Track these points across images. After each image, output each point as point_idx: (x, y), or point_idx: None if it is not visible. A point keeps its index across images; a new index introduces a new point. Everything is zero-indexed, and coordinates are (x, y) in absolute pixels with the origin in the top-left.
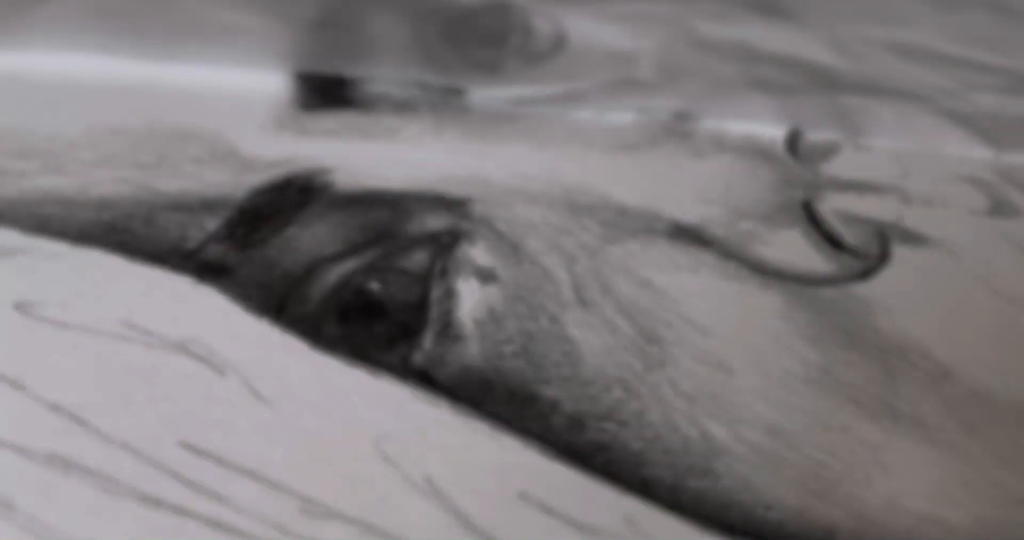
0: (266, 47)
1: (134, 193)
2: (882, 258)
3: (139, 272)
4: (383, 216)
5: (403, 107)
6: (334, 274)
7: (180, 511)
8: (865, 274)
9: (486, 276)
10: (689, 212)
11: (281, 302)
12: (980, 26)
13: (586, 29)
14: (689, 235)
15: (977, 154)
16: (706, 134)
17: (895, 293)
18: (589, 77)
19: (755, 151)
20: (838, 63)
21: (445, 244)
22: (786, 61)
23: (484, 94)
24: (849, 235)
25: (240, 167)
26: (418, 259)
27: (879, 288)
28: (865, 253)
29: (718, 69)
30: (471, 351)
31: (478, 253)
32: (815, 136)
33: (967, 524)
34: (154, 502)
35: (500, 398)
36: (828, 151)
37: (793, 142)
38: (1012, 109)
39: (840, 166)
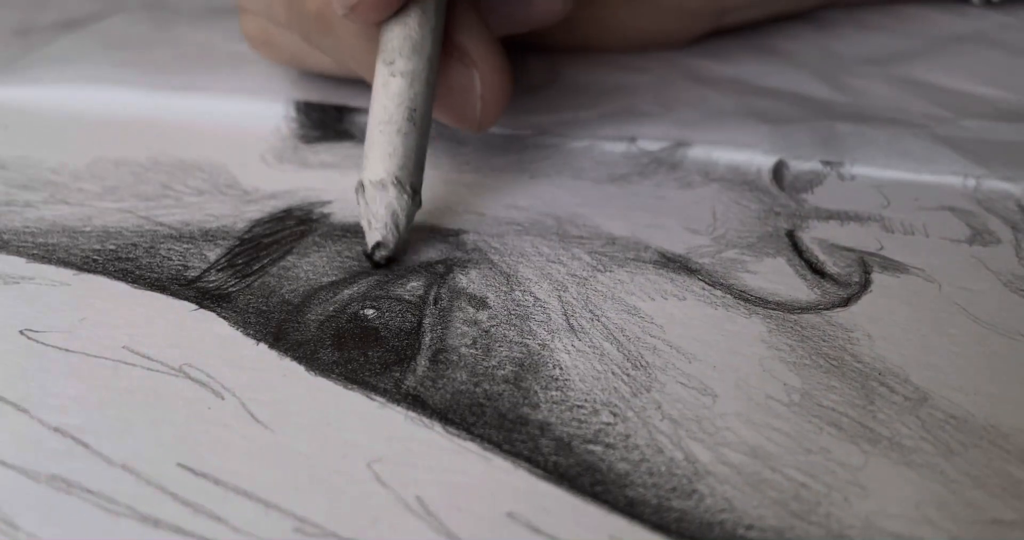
0: (270, 78)
1: (137, 223)
2: (863, 286)
3: (141, 299)
4: None
5: None
6: (331, 301)
7: (178, 531)
8: (847, 301)
9: (478, 304)
10: (676, 241)
11: (279, 328)
12: (973, 60)
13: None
14: (676, 264)
15: (961, 179)
16: (694, 165)
17: (875, 320)
18: (587, 107)
19: (741, 181)
20: (833, 96)
21: (439, 273)
22: (781, 94)
23: None
24: (831, 263)
25: (241, 198)
26: (413, 287)
27: (860, 315)
28: (847, 281)
29: (714, 99)
30: (463, 376)
31: (471, 281)
32: (801, 166)
33: None
34: (153, 522)
35: (490, 421)
36: (812, 181)
37: (778, 172)
38: (999, 134)
39: (823, 196)
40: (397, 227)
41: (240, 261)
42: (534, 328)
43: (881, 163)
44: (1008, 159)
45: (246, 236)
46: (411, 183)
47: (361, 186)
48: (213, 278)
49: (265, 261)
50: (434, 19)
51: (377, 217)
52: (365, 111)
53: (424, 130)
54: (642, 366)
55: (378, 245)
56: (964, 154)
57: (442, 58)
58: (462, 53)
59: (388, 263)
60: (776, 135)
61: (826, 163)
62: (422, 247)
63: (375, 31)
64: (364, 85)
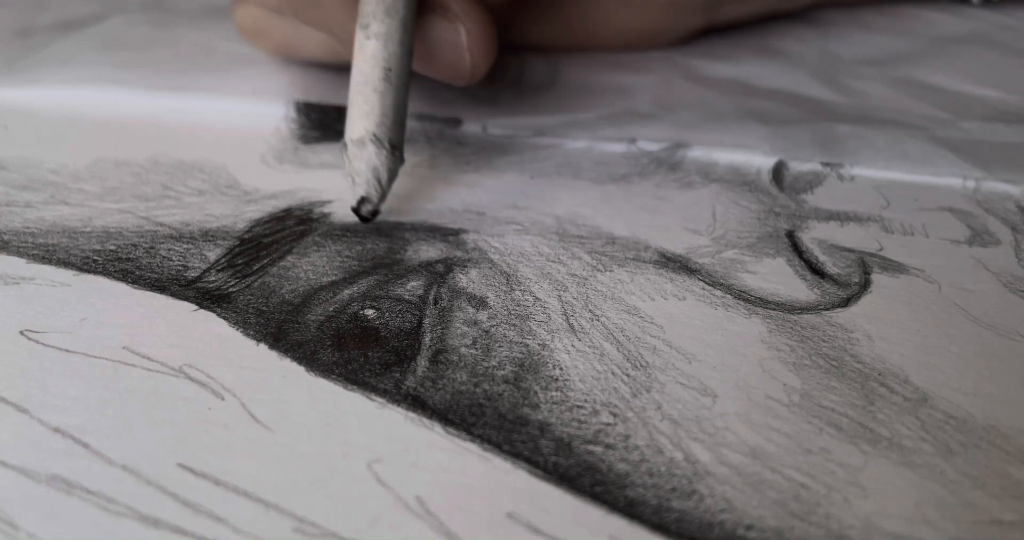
0: (270, 79)
1: (137, 224)
2: (863, 286)
3: (141, 300)
4: (379, 246)
5: None
6: (331, 301)
7: (178, 531)
8: (846, 302)
9: (478, 303)
10: (676, 241)
11: (279, 328)
12: (973, 61)
13: (582, 70)
14: (676, 264)
15: (960, 180)
16: (694, 165)
17: (875, 320)
18: (587, 109)
19: (741, 182)
20: (832, 97)
21: (439, 273)
22: (781, 95)
23: (479, 125)
24: (831, 264)
25: (241, 199)
26: (413, 287)
27: (860, 315)
28: (846, 281)
29: (714, 101)
30: (463, 376)
31: (471, 281)
32: (801, 166)
33: None
34: (153, 522)
35: (490, 421)
36: (812, 182)
37: (778, 173)
38: (999, 135)
39: (823, 196)
40: (379, 182)
41: (240, 261)
42: (534, 328)
43: (880, 165)
44: (1007, 161)
45: (246, 236)
46: (389, 139)
47: (344, 146)
48: (213, 278)
49: (265, 261)
50: None
51: (359, 173)
52: None
53: (401, 89)
54: (642, 366)
55: (363, 200)
56: (963, 156)
57: (427, 15)
58: (445, 9)
59: (373, 216)
60: (776, 137)
61: (826, 164)
62: (422, 247)
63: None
64: None
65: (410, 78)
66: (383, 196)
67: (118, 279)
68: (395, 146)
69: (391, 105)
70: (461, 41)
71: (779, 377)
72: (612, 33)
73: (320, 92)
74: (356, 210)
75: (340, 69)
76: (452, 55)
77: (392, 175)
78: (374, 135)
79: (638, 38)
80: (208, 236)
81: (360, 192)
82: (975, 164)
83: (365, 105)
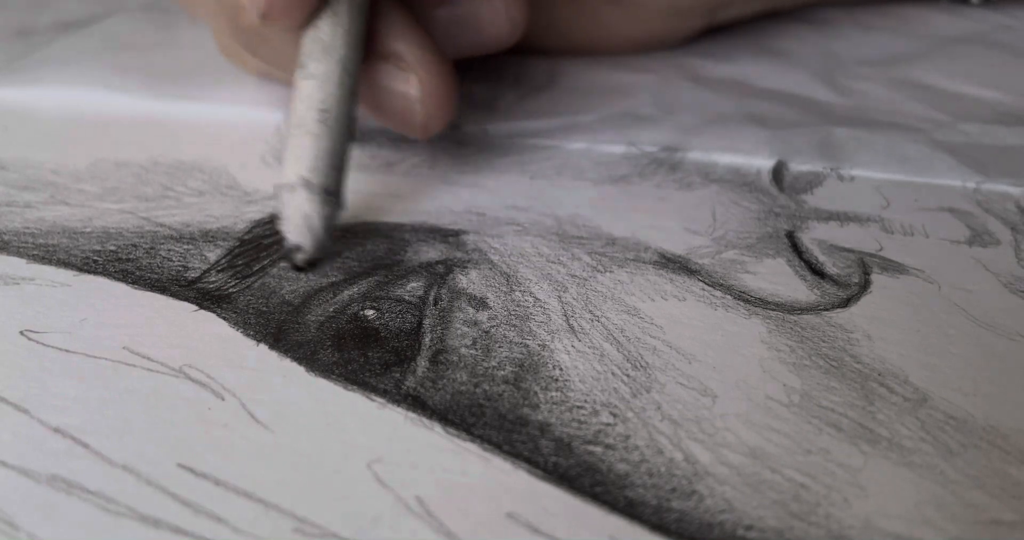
0: (270, 85)
1: (138, 224)
2: (863, 286)
3: (141, 300)
4: (379, 247)
5: (400, 141)
6: (331, 302)
7: (178, 531)
8: (846, 302)
9: (478, 304)
10: (676, 242)
11: (279, 329)
12: (973, 62)
13: (581, 70)
14: (676, 264)
15: (960, 183)
16: (694, 166)
17: (875, 320)
18: (586, 111)
19: (741, 182)
20: (832, 98)
21: (439, 273)
22: (780, 96)
23: (478, 127)
24: (831, 264)
25: (241, 199)
26: (413, 288)
27: (859, 316)
28: (846, 282)
29: (713, 102)
30: (462, 376)
31: (471, 282)
32: (800, 167)
33: None
34: (153, 522)
35: (490, 422)
36: (812, 182)
37: (778, 173)
38: (998, 138)
39: (823, 197)
40: (310, 230)
41: (240, 262)
42: (534, 329)
43: (880, 169)
44: (1007, 164)
45: (246, 237)
46: (324, 184)
47: (277, 191)
48: (213, 279)
49: (265, 262)
50: (347, 21)
51: (288, 220)
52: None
53: (339, 132)
54: (642, 367)
55: (295, 249)
56: (962, 160)
57: (376, 63)
58: (397, 58)
59: (311, 267)
60: (775, 141)
61: (833, 161)
62: (422, 247)
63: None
64: None
65: (353, 122)
66: (320, 244)
67: (118, 279)
68: (331, 192)
69: (326, 149)
70: (412, 93)
71: (779, 377)
72: (614, 39)
73: None
74: (289, 259)
75: None
76: (403, 107)
77: (328, 222)
78: (304, 180)
79: (639, 45)
80: (208, 237)
81: (291, 240)
82: (974, 168)
83: (297, 148)
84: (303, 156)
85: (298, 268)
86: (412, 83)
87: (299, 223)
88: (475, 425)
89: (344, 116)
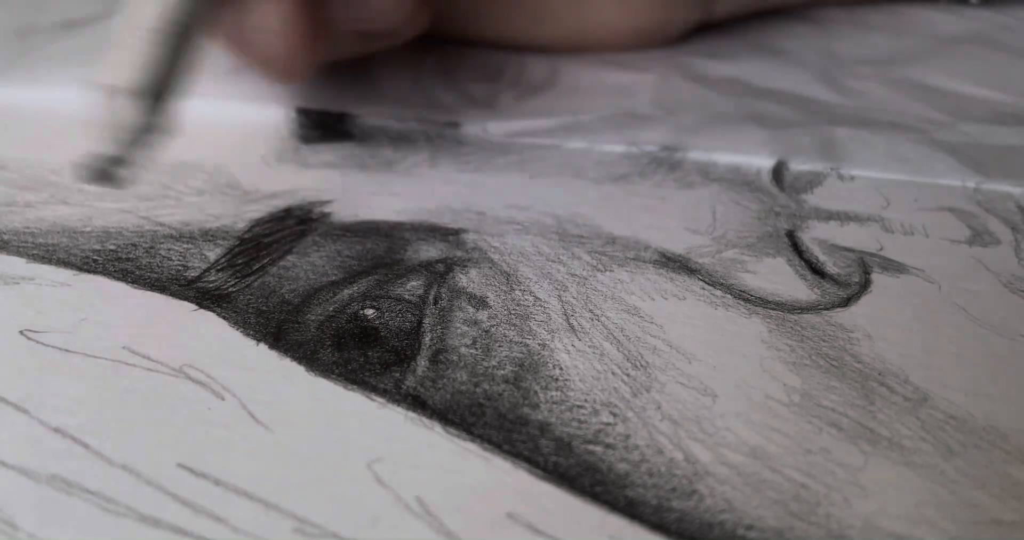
0: (271, 86)
1: (137, 223)
2: (863, 286)
3: (141, 299)
4: (379, 246)
5: (400, 139)
6: (331, 301)
7: (178, 531)
8: (846, 302)
9: (478, 303)
10: (676, 241)
11: (279, 328)
12: (973, 62)
13: (581, 69)
14: (676, 264)
15: (960, 183)
16: (694, 165)
17: (875, 320)
18: (586, 110)
19: (741, 182)
20: (832, 97)
21: (439, 272)
22: (780, 95)
23: (479, 127)
24: (831, 264)
25: (241, 198)
26: (413, 287)
27: (860, 315)
28: (847, 281)
29: (713, 101)
30: (463, 376)
31: (471, 281)
32: (800, 167)
33: None
34: (152, 522)
35: (490, 421)
36: (812, 182)
37: (778, 173)
38: (998, 138)
39: (823, 196)
40: (118, 139)
41: (240, 261)
42: (534, 328)
43: (880, 168)
44: (1007, 164)
45: (246, 236)
46: (147, 91)
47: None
48: (213, 278)
49: (265, 261)
50: None
51: (94, 126)
52: (365, 115)
53: (174, 43)
54: (642, 366)
55: (93, 156)
56: (962, 160)
57: None
58: None
59: (104, 178)
60: (775, 141)
61: (832, 161)
62: (422, 246)
63: None
64: (364, 92)
65: (198, 38)
66: (121, 159)
67: (118, 279)
68: (153, 99)
69: (154, 59)
70: (273, 26)
71: (779, 377)
72: (606, 33)
73: (321, 99)
74: (83, 168)
75: (342, 76)
76: (264, 41)
77: (136, 134)
78: (126, 86)
79: (634, 37)
80: (208, 236)
81: (95, 144)
82: (974, 168)
83: (125, 51)
84: (125, 63)
85: (92, 178)
86: (273, 15)
87: (111, 129)
88: (475, 425)
89: (184, 25)
